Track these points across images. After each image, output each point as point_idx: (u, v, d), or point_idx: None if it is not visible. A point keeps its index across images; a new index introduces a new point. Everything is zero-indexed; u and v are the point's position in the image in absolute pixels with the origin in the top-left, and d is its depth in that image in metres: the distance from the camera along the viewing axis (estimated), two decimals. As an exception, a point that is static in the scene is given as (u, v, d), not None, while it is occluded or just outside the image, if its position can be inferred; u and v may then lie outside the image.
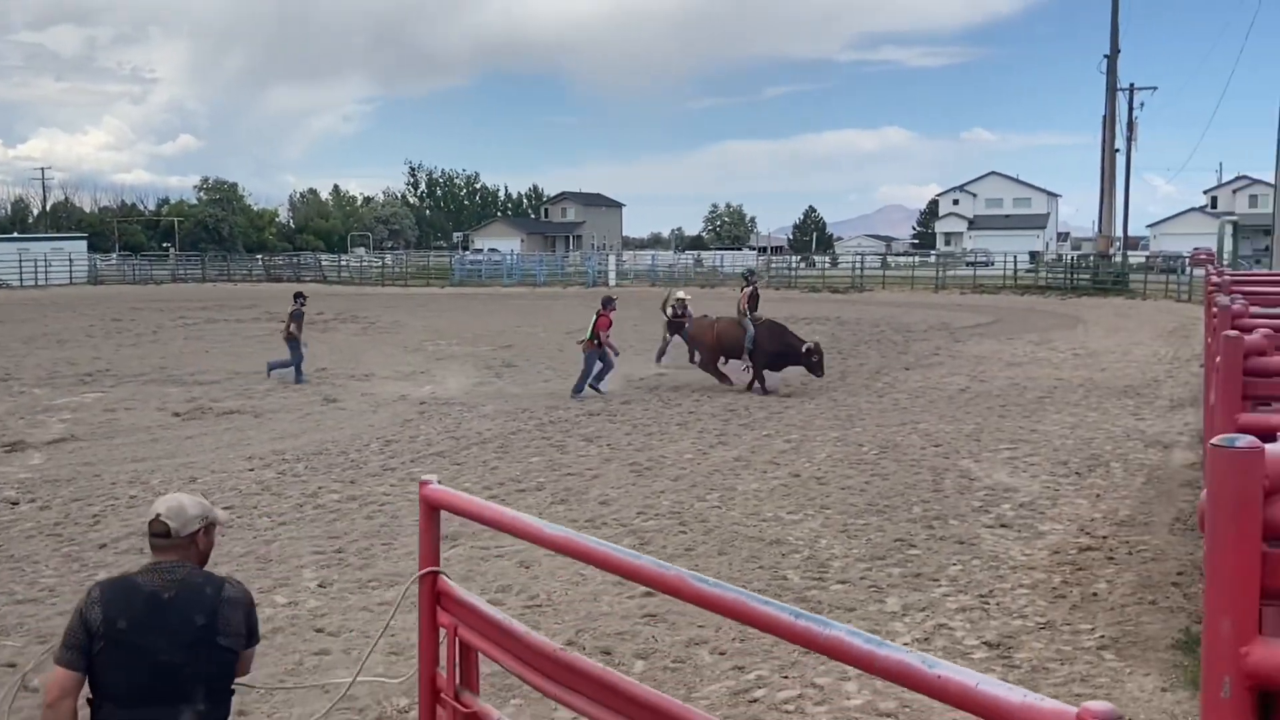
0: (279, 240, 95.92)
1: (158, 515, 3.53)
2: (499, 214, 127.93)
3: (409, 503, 11.04)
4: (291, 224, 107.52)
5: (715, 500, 11.13)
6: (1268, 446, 1.61)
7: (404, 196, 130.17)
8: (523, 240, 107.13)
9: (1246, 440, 1.57)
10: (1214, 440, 1.59)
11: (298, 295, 21.52)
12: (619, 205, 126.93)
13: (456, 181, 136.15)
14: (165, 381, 20.46)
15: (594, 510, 10.72)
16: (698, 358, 20.55)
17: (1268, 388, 4.01)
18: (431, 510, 3.90)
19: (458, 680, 3.78)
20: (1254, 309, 6.04)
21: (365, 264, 72.33)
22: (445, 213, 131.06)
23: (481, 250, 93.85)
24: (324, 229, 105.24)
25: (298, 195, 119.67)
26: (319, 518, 10.52)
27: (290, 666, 6.83)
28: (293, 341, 20.38)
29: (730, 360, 19.88)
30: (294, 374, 20.17)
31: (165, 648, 3.39)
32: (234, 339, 29.17)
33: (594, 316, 19.14)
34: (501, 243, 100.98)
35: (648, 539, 9.64)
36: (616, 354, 19.23)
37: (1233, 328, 4.66)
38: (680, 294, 23.00)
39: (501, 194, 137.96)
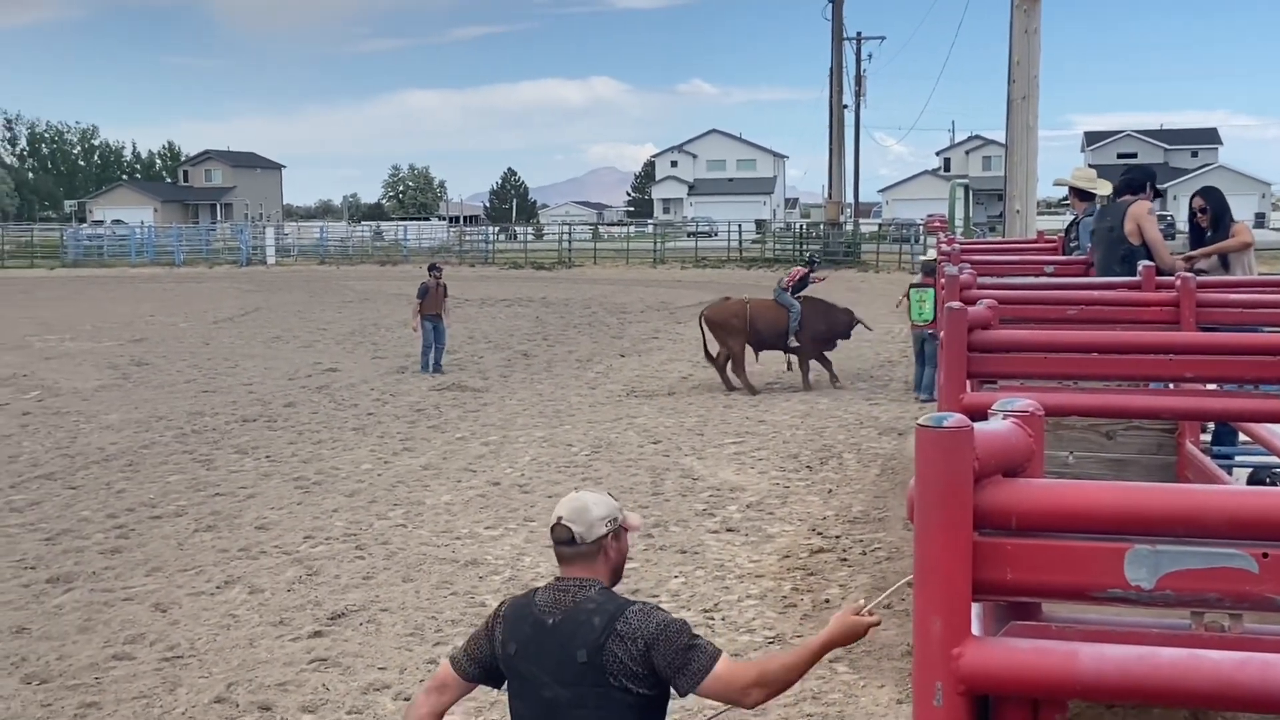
0: None
1: (559, 519, 3.46)
2: (125, 177, 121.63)
3: (6, 539, 10.35)
4: None
5: (399, 517, 11.00)
6: (977, 425, 1.71)
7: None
8: (157, 210, 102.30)
9: (955, 419, 1.66)
10: (921, 420, 1.67)
11: (432, 267, 21.99)
12: (278, 167, 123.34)
13: (68, 137, 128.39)
14: None
15: (249, 537, 10.36)
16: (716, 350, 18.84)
17: (993, 364, 4.33)
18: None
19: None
20: (982, 279, 6.52)
21: (-52, 241, 66.78)
22: (54, 176, 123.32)
23: (103, 222, 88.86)
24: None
25: None
26: (-115, 565, 9.66)
27: None
28: (428, 319, 20.74)
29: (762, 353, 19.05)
30: (423, 358, 20.75)
31: (549, 682, 3.39)
32: None
33: (929, 290, 17.25)
34: (129, 212, 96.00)
35: (316, 568, 9.41)
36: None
37: (959, 299, 5.01)
38: (932, 253, 21.94)
39: (128, 153, 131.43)
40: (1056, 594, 1.70)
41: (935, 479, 1.66)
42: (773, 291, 19.43)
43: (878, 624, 3.39)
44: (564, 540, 3.47)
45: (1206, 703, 1.73)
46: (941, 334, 4.30)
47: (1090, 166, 11.35)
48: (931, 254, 22.55)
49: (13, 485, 12.39)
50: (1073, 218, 10.82)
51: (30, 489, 12.22)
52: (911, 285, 17.92)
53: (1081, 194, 9.50)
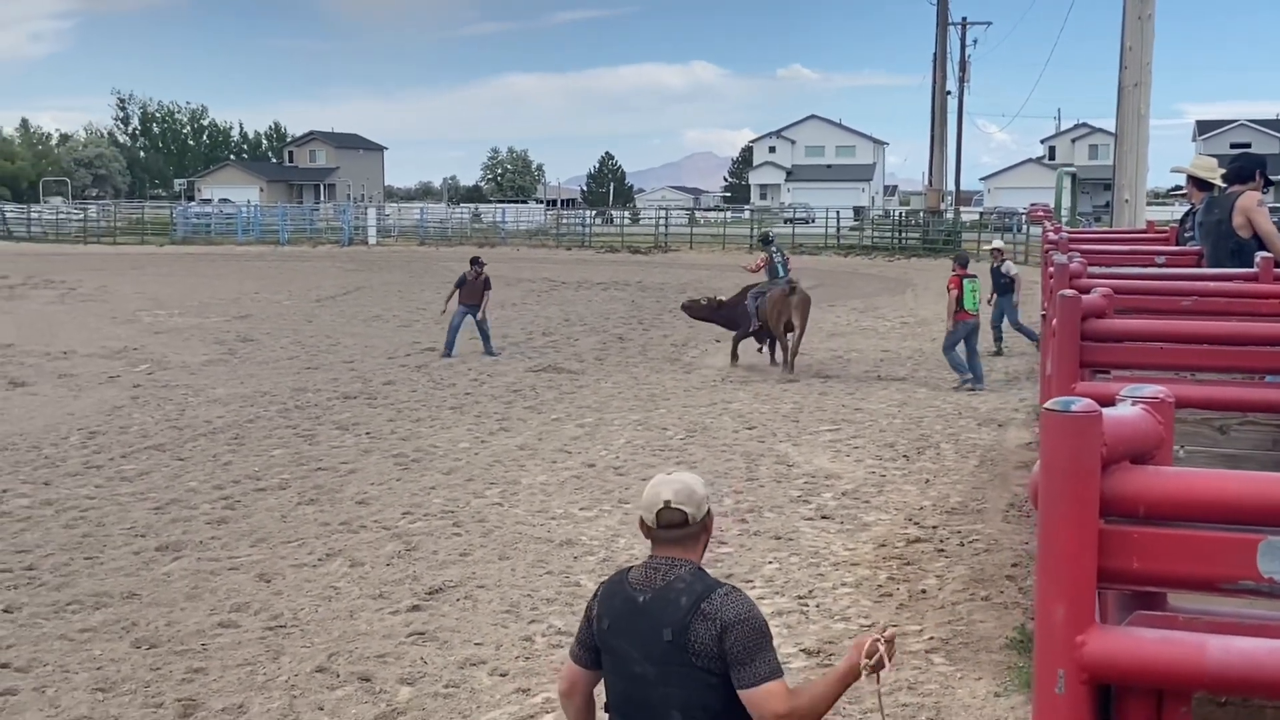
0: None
1: (667, 503, 3.45)
2: (232, 157, 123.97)
3: (118, 507, 10.62)
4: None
5: (495, 496, 11.09)
6: (1106, 411, 1.68)
7: (112, 134, 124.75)
8: (262, 189, 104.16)
9: (1083, 403, 1.63)
10: (1048, 404, 1.65)
11: (474, 260, 21.41)
12: (380, 149, 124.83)
13: (178, 117, 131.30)
14: None
15: (350, 511, 10.53)
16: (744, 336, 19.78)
17: (1107, 354, 4.25)
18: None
19: None
20: (1093, 269, 6.40)
21: (63, 216, 68.77)
22: (165, 155, 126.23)
23: (211, 201, 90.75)
24: (9, 173, 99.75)
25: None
26: (3, 528, 9.97)
27: (-36, 713, 6.45)
28: (465, 306, 20.62)
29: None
30: (449, 336, 20.61)
31: (638, 659, 3.44)
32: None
33: (977, 280, 18.03)
34: (236, 191, 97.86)
35: (415, 544, 9.53)
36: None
37: (1070, 288, 4.92)
38: (997, 243, 22.52)
39: (235, 133, 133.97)
40: (1184, 585, 1.66)
41: (1062, 464, 1.63)
42: (779, 282, 19.35)
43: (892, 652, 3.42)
44: (675, 523, 3.46)
45: (1338, 700, 1.69)
46: (1053, 322, 4.24)
47: (1209, 156, 11.06)
48: (997, 242, 22.84)
49: (124, 455, 12.71)
50: (1189, 208, 10.56)
51: (140, 459, 12.53)
52: (960, 275, 17.68)
53: (1200, 184, 9.22)
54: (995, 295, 21.04)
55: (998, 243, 23.11)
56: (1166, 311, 5.19)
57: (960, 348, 17.50)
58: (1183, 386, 4.31)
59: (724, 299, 20.50)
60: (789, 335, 18.70)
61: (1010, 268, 21.32)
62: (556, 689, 3.89)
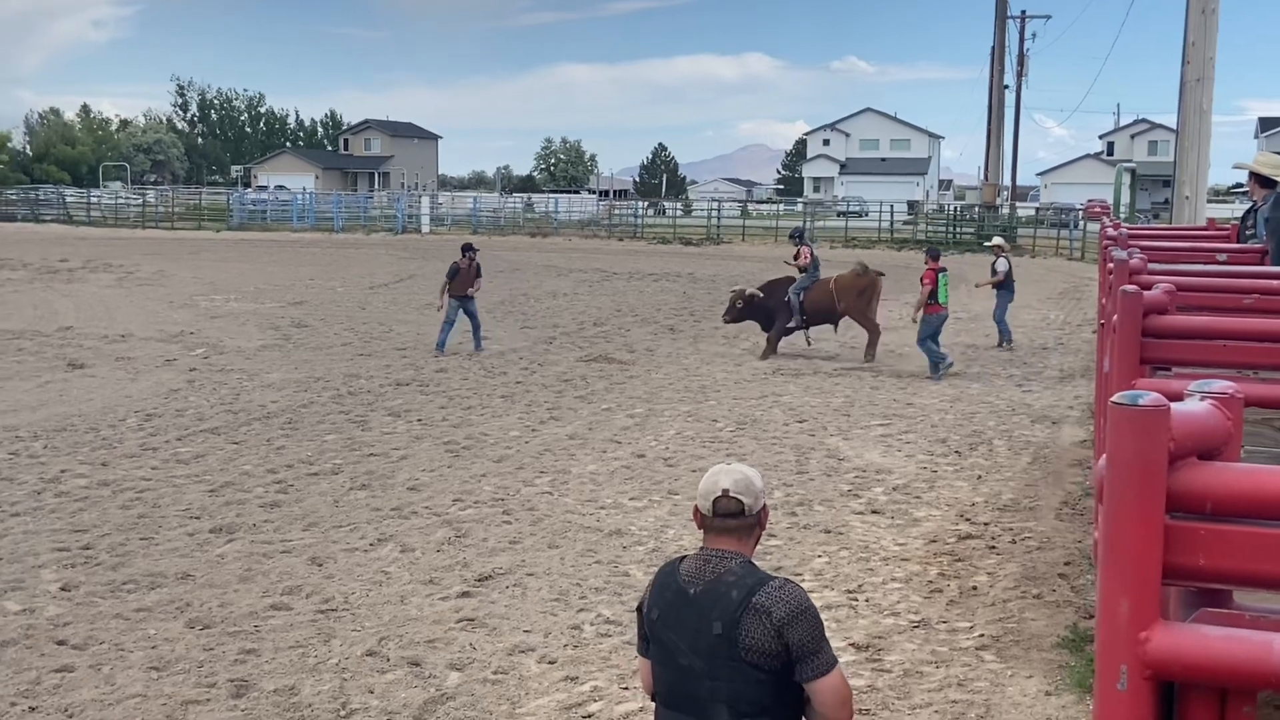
0: (11, 171, 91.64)
1: (725, 491, 3.44)
2: (289, 144, 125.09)
3: (173, 489, 10.74)
4: (28, 151, 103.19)
5: (545, 485, 11.12)
6: (1174, 405, 1.66)
7: (171, 120, 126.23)
8: (318, 177, 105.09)
9: (1151, 397, 1.61)
10: (1115, 397, 1.63)
11: (466, 248, 20.49)
12: (434, 137, 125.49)
13: (236, 104, 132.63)
14: None
15: (401, 497, 10.59)
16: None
17: (1168, 350, 4.19)
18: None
19: None
20: (1153, 265, 6.32)
21: (122, 201, 69.71)
22: (222, 141, 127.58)
23: (267, 187, 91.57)
24: (70, 158, 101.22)
25: (36, 116, 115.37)
26: (61, 507, 10.10)
27: (24, 687, 6.55)
28: (456, 299, 19.84)
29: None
30: (441, 335, 19.88)
31: (685, 650, 3.45)
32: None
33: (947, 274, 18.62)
34: (292, 179, 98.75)
35: (465, 531, 9.58)
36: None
37: (1130, 284, 4.86)
38: (997, 239, 23.18)
39: (292, 120, 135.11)
40: (1252, 582, 1.64)
41: (1128, 459, 1.61)
42: (816, 274, 20.34)
43: None
44: (732, 513, 3.45)
45: None
46: (1113, 318, 4.19)
47: (1273, 153, 10.89)
48: (998, 239, 23.13)
49: (180, 438, 12.86)
50: (1250, 205, 10.40)
51: (196, 442, 12.67)
52: (934, 269, 17.91)
53: (1263, 180, 9.07)
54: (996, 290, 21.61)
55: (998, 239, 23.42)
56: (1228, 309, 5.12)
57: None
58: (1245, 385, 4.24)
59: (756, 291, 20.51)
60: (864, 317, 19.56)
61: (1001, 264, 21.59)
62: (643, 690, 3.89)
